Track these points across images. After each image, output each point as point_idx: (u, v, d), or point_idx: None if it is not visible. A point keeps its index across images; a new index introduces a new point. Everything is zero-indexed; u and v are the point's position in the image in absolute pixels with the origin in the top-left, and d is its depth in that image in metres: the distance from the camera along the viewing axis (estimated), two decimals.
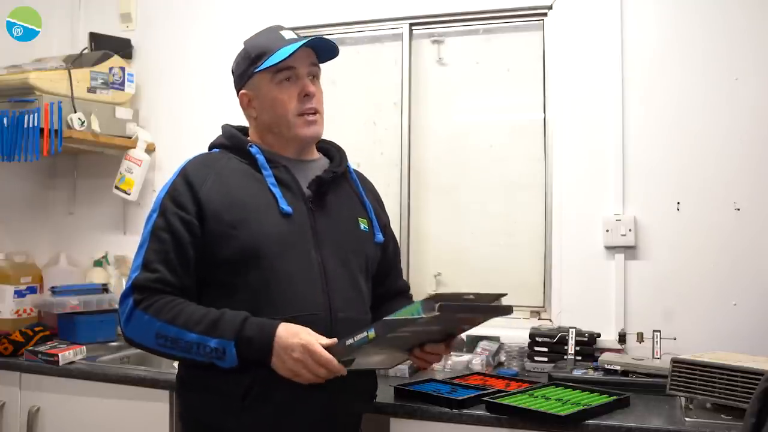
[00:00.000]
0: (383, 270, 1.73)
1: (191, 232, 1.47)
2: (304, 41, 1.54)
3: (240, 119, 1.71)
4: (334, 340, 1.38)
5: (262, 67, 1.55)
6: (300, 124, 1.57)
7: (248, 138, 1.64)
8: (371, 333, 1.31)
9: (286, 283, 1.47)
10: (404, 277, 2.51)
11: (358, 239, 1.63)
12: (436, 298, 1.30)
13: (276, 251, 1.47)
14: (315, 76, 1.60)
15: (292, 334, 1.37)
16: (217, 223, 1.47)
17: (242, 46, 1.63)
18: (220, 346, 1.38)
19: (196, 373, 1.48)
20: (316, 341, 1.36)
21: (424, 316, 1.27)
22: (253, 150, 1.56)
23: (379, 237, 1.68)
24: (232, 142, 1.61)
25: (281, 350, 1.37)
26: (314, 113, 1.58)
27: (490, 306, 1.48)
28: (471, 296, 1.44)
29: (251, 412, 1.43)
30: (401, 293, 1.81)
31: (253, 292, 1.46)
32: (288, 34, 1.58)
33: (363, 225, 1.65)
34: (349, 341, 1.34)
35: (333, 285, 1.51)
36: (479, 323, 1.65)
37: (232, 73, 1.64)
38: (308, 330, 1.39)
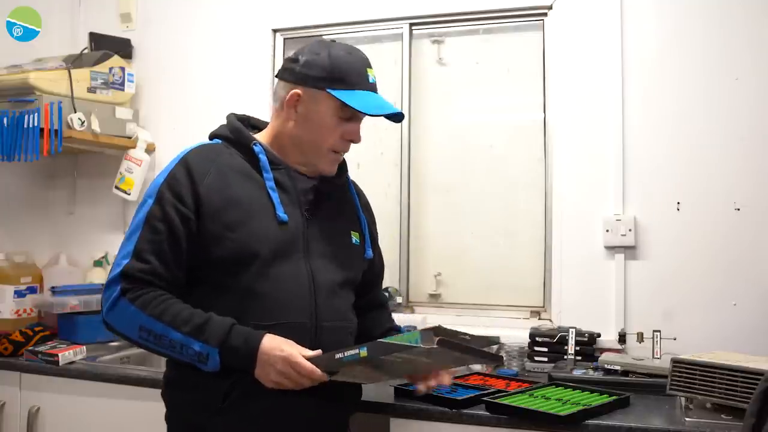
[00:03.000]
0: (367, 284, 1.73)
1: (187, 226, 1.45)
2: (390, 111, 1.53)
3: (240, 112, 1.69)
4: (318, 351, 1.38)
5: (337, 94, 1.49)
6: (329, 159, 1.57)
7: (254, 129, 1.62)
8: (363, 351, 1.31)
9: (274, 289, 1.46)
10: (404, 278, 2.56)
11: (349, 252, 1.63)
12: (435, 330, 1.30)
13: (268, 257, 1.46)
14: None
15: (274, 346, 1.37)
16: (213, 222, 1.46)
17: (325, 43, 1.55)
18: (204, 350, 1.38)
19: (181, 373, 1.47)
20: (298, 353, 1.37)
21: (421, 346, 1.26)
22: (257, 149, 1.54)
23: (369, 253, 1.68)
24: (235, 136, 1.58)
25: (265, 363, 1.37)
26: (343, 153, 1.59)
27: (485, 351, 1.49)
28: (467, 336, 1.43)
29: (231, 413, 1.43)
30: (380, 306, 1.82)
31: (241, 295, 1.45)
32: (371, 77, 1.54)
33: (355, 238, 1.65)
34: (339, 355, 1.34)
35: (320, 294, 1.51)
36: (467, 364, 1.64)
37: (295, 61, 1.54)
38: (290, 342, 1.39)
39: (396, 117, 1.57)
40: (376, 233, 1.80)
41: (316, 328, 1.49)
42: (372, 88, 1.54)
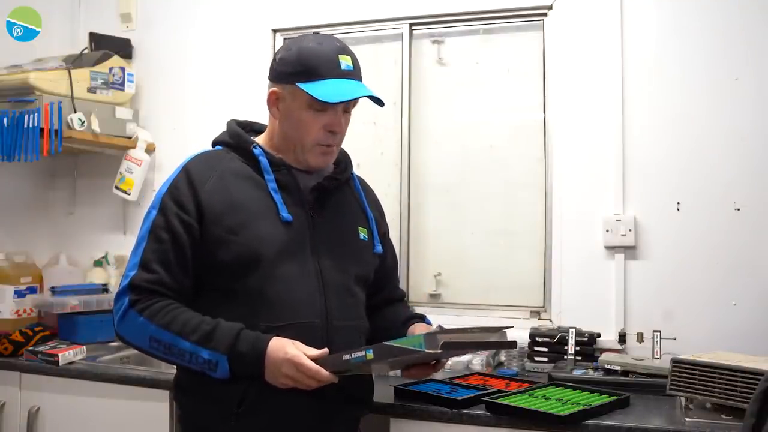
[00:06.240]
0: (381, 280, 1.72)
1: (190, 233, 1.45)
2: (357, 96, 1.48)
3: (241, 115, 1.70)
4: (325, 350, 1.38)
5: (304, 87, 1.46)
6: (315, 152, 1.54)
7: (256, 134, 1.62)
8: (369, 354, 1.32)
9: (283, 290, 1.46)
10: (404, 278, 2.55)
11: (357, 248, 1.62)
12: (439, 333, 1.33)
13: (274, 258, 1.46)
14: (346, 110, 1.55)
15: (278, 348, 1.37)
16: (216, 226, 1.46)
17: (299, 38, 1.54)
18: (213, 358, 1.38)
19: (193, 378, 1.47)
20: (303, 354, 1.36)
21: (426, 351, 1.29)
22: (257, 152, 1.54)
23: (378, 248, 1.66)
24: (235, 141, 1.58)
25: (271, 366, 1.37)
26: (332, 146, 1.55)
27: (493, 342, 1.51)
28: (474, 330, 1.47)
29: (247, 418, 1.43)
30: (398, 301, 1.81)
31: (251, 298, 1.45)
32: (344, 64, 1.49)
33: (363, 234, 1.64)
34: (346, 357, 1.35)
35: (330, 293, 1.51)
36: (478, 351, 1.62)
37: (274, 60, 1.56)
38: (297, 343, 1.38)
39: (374, 100, 1.54)
40: (386, 228, 1.78)
41: (327, 327, 1.48)
42: (345, 75, 1.49)
